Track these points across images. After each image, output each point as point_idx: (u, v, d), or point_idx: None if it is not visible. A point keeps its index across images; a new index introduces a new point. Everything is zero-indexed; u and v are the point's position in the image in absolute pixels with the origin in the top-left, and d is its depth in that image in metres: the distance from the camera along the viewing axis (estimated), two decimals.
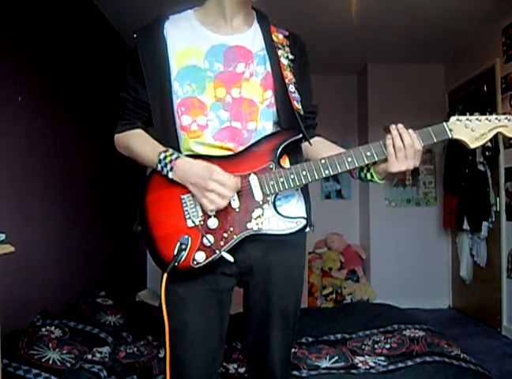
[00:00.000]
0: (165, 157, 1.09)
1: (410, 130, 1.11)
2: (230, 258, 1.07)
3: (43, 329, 2.10)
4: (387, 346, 2.29)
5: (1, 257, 1.33)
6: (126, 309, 2.76)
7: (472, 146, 1.11)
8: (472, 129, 1.10)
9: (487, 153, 3.66)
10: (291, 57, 1.22)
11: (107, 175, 3.45)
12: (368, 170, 1.17)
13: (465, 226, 4.00)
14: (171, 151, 1.11)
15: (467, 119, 1.10)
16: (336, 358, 2.17)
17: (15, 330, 2.00)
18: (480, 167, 3.79)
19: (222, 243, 1.08)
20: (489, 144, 3.73)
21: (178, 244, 1.07)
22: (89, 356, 2.01)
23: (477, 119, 1.10)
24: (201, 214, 1.09)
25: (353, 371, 2.01)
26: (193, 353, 1.14)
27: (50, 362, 1.88)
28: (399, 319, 2.70)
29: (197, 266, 1.07)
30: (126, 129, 1.21)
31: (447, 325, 3.73)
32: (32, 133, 2.37)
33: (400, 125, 1.11)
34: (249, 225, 1.09)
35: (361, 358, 2.17)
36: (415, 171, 4.69)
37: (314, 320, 2.79)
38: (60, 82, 2.71)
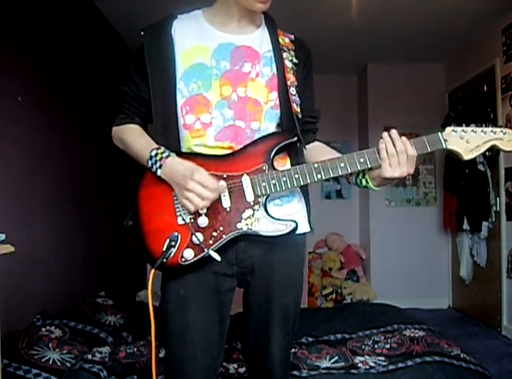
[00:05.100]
0: (156, 154, 1.10)
1: (403, 138, 1.09)
2: (217, 257, 1.07)
3: (43, 329, 2.09)
4: (387, 346, 2.29)
5: (1, 257, 1.33)
6: (126, 309, 2.75)
7: (466, 157, 1.10)
8: (467, 141, 1.09)
9: (487, 153, 3.64)
10: (295, 60, 1.23)
11: (109, 175, 3.45)
12: (363, 176, 1.16)
13: (465, 226, 4.00)
14: (162, 149, 1.12)
15: (462, 130, 1.09)
16: (336, 358, 2.17)
17: (15, 330, 2.00)
18: (480, 167, 3.79)
19: (211, 242, 1.09)
20: None
21: (168, 240, 1.08)
22: (89, 356, 2.00)
23: (473, 131, 1.09)
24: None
25: (353, 371, 2.01)
26: (192, 352, 1.15)
27: (50, 362, 1.88)
28: (399, 319, 2.69)
29: (185, 263, 1.08)
30: (124, 122, 1.23)
31: (447, 325, 3.73)
32: (32, 133, 2.37)
33: (393, 131, 1.09)
34: (239, 225, 1.10)
35: (361, 358, 2.17)
36: (415, 171, 4.68)
37: (314, 320, 2.79)
38: (60, 82, 2.71)
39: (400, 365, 2.03)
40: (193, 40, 1.18)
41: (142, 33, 1.19)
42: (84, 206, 3.01)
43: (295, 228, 1.10)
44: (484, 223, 3.75)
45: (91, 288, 3.00)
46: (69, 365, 1.91)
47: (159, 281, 1.19)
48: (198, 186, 1.04)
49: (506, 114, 3.51)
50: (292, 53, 1.24)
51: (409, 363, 2.03)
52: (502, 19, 3.50)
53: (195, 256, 1.08)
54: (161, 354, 2.09)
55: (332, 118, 4.83)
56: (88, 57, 3.14)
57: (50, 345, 1.96)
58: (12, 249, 1.36)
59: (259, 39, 1.22)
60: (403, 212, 4.66)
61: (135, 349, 2.18)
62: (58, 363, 1.89)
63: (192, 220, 1.10)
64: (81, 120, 3.00)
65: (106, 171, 3.41)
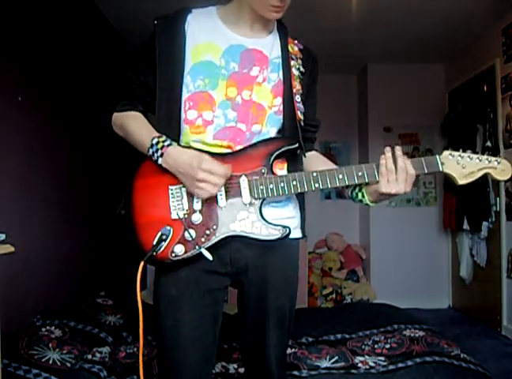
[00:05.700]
0: (158, 142, 1.09)
1: (404, 156, 1.10)
2: (209, 256, 1.07)
3: (43, 329, 2.09)
4: (387, 346, 2.29)
5: (1, 257, 1.33)
6: (126, 309, 2.75)
7: (460, 182, 1.12)
8: (462, 166, 1.11)
9: (486, 153, 3.66)
10: (302, 69, 1.24)
11: (109, 175, 3.44)
12: (360, 190, 1.17)
13: (465, 226, 4.00)
14: (164, 137, 1.11)
15: (459, 155, 1.12)
16: (336, 358, 2.17)
17: (15, 330, 2.00)
18: None
19: (203, 239, 1.08)
20: (489, 144, 3.73)
21: (160, 234, 1.07)
22: (89, 356, 2.01)
23: (469, 157, 1.12)
24: (186, 207, 1.10)
25: (353, 371, 2.01)
26: (185, 353, 1.15)
27: (50, 362, 1.88)
28: (399, 319, 2.70)
29: (175, 258, 1.08)
30: (126, 109, 1.22)
31: (447, 325, 3.73)
32: (32, 133, 2.37)
33: (397, 147, 1.11)
34: (232, 226, 1.09)
35: (361, 358, 2.17)
36: None
37: (314, 320, 2.79)
38: (60, 82, 2.71)
39: (400, 365, 2.03)
40: (205, 37, 1.17)
41: (155, 22, 1.18)
42: (84, 206, 3.01)
43: (288, 234, 1.10)
44: (484, 223, 3.75)
45: (91, 288, 3.00)
46: (69, 365, 1.91)
47: None
48: (209, 175, 1.04)
49: (506, 114, 3.51)
50: (300, 62, 1.25)
51: (409, 363, 2.03)
52: (502, 19, 3.50)
53: (185, 252, 1.08)
54: None
55: (332, 118, 4.83)
56: (89, 57, 3.14)
57: (50, 345, 1.96)
58: (12, 249, 1.36)
59: (270, 44, 1.22)
60: (403, 212, 4.66)
61: (135, 349, 2.18)
62: (58, 363, 1.89)
63: (186, 216, 1.09)
64: (82, 120, 3.00)
65: (107, 171, 3.41)
